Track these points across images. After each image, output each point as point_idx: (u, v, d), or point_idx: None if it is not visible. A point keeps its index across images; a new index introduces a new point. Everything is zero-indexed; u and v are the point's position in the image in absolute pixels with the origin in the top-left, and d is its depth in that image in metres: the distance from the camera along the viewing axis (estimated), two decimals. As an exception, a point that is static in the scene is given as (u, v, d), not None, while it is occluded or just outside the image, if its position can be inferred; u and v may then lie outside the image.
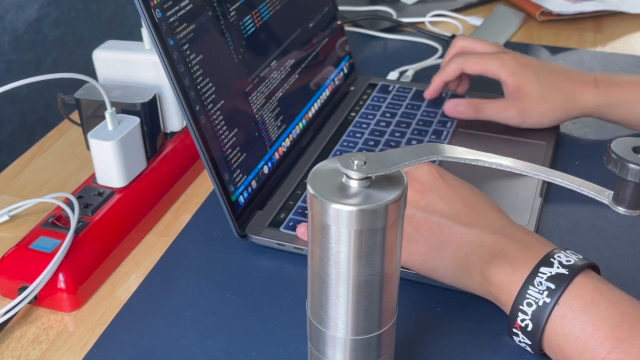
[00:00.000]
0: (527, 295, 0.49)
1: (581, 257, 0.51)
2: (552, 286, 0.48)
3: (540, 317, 0.49)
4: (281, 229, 0.65)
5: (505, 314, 0.52)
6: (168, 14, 0.59)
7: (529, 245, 0.52)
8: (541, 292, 0.49)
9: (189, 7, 0.62)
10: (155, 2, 0.58)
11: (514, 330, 0.51)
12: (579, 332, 0.47)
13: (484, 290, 0.53)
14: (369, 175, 0.39)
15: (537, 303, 0.49)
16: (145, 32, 0.70)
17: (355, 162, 0.38)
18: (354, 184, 0.39)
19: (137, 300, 0.60)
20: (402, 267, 0.56)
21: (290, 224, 0.65)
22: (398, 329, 0.47)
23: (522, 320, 0.50)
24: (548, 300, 0.48)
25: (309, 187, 0.39)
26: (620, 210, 0.40)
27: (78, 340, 0.56)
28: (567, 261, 0.50)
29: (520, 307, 0.49)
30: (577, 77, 0.77)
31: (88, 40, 1.22)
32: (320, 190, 0.38)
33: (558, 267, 0.49)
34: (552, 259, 0.50)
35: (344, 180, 0.39)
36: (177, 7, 0.60)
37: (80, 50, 1.21)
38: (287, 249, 0.63)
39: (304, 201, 0.68)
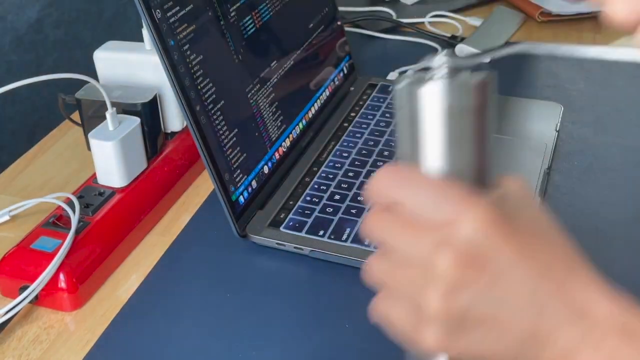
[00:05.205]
0: None
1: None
2: None
3: None
4: (281, 228, 0.65)
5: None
6: (168, 14, 0.60)
7: None
8: None
9: (189, 8, 0.62)
10: (155, 2, 0.58)
11: None
12: None
13: None
14: (452, 66, 0.37)
15: None
16: (145, 32, 0.71)
17: (436, 59, 0.37)
18: (438, 72, 0.37)
19: (137, 300, 0.60)
20: None
21: (291, 223, 0.65)
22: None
23: None
24: None
25: (395, 87, 0.38)
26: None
27: (78, 340, 0.56)
28: None
29: None
30: None
31: (89, 40, 1.22)
32: (406, 83, 0.37)
33: None
34: None
35: (427, 75, 0.38)
36: (177, 8, 0.61)
37: (81, 50, 1.21)
38: (287, 248, 0.63)
39: (304, 201, 0.68)
